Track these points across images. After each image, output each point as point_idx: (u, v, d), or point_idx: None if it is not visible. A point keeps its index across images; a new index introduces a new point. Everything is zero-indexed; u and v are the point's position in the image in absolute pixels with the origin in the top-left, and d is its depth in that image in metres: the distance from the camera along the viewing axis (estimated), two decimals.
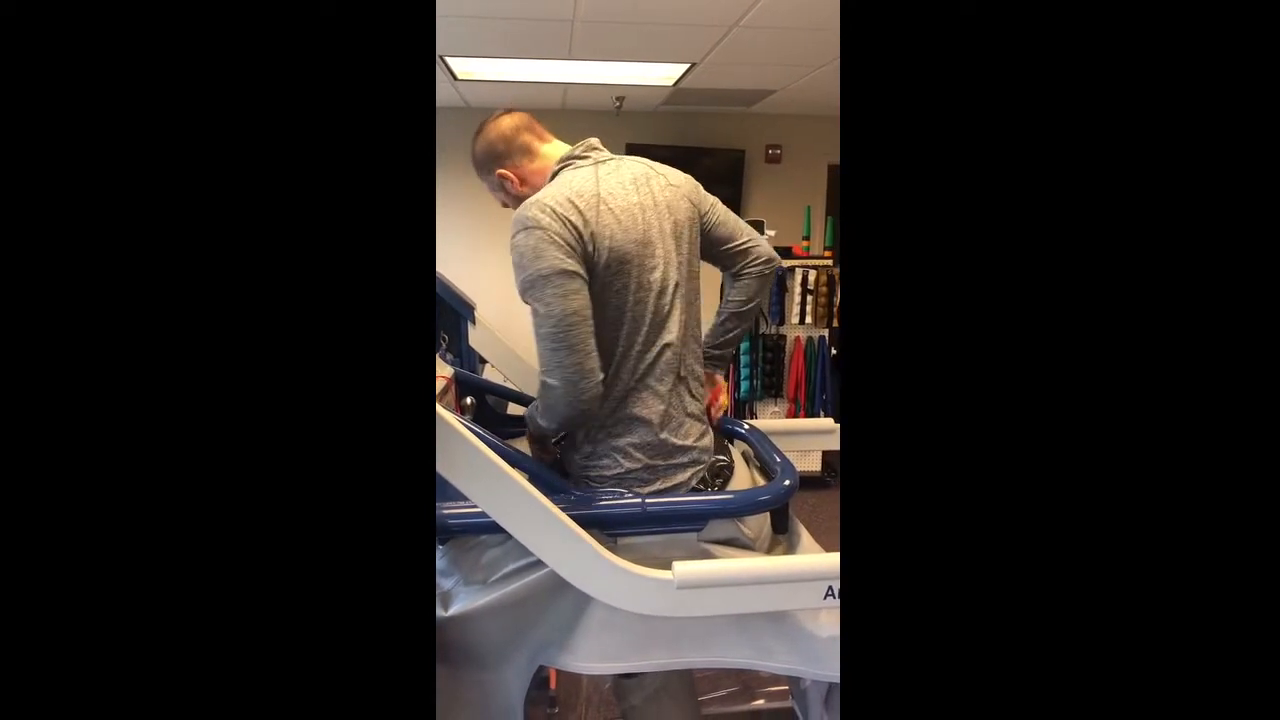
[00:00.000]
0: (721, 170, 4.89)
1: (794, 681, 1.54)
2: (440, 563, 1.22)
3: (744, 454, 1.44)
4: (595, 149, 1.29)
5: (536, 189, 1.23)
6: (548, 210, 1.14)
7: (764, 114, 4.99)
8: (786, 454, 1.36)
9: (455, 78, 3.92)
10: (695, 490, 1.23)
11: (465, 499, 1.01)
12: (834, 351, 4.02)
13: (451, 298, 1.80)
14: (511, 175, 1.31)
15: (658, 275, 1.21)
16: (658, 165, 1.33)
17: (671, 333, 1.22)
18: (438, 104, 4.18)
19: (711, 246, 1.35)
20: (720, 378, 1.45)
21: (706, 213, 1.33)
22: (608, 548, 1.05)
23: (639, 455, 1.20)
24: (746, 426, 1.50)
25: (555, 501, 1.03)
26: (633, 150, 1.37)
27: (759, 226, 3.46)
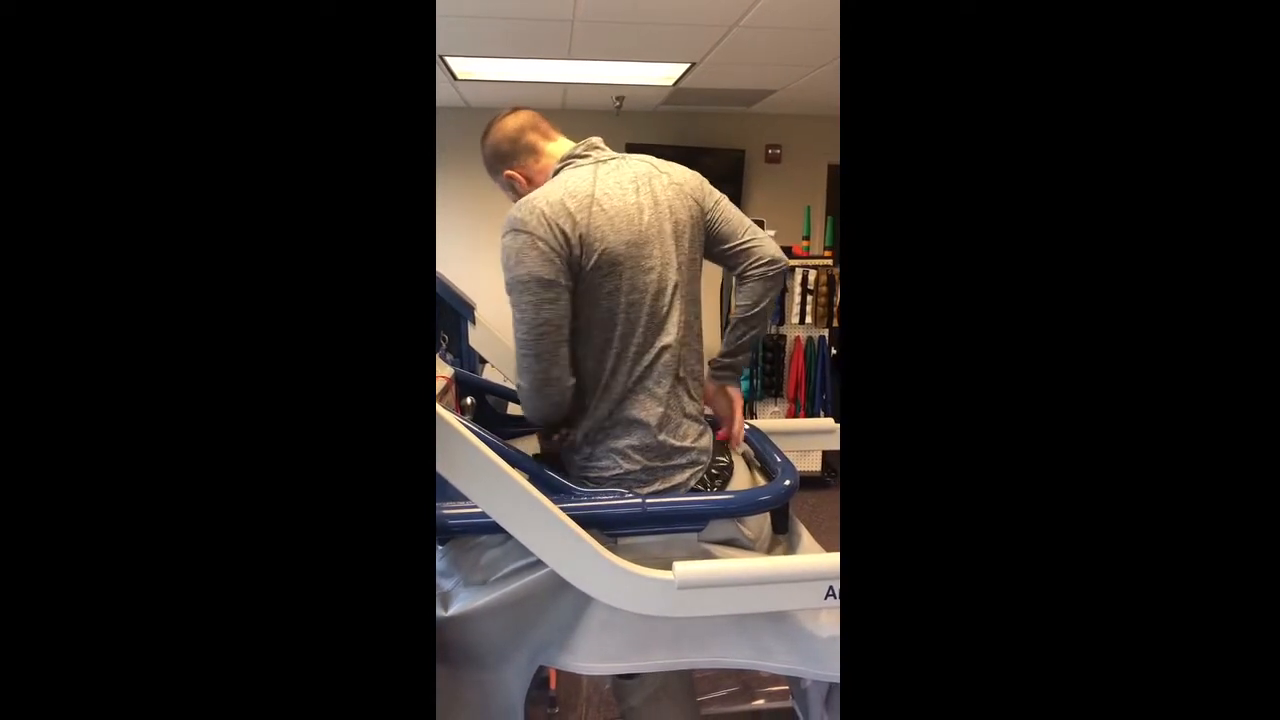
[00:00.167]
0: (721, 170, 4.89)
1: (794, 682, 1.54)
2: (440, 563, 1.22)
3: (744, 454, 1.44)
4: (597, 148, 1.28)
5: None
6: (536, 212, 1.15)
7: (764, 114, 4.99)
8: (786, 454, 1.36)
9: (455, 78, 3.92)
10: (695, 490, 1.23)
11: (465, 499, 1.01)
12: (834, 351, 4.02)
13: (451, 298, 1.80)
14: (518, 176, 1.31)
15: (654, 276, 1.20)
16: (663, 164, 1.31)
17: (670, 334, 1.22)
18: (438, 104, 4.18)
19: (713, 246, 1.32)
20: (735, 391, 1.39)
21: (710, 210, 1.31)
22: (608, 548, 1.05)
23: (637, 457, 1.20)
24: (746, 427, 1.50)
25: (555, 501, 1.03)
26: (632, 150, 1.36)
27: (759, 226, 3.44)
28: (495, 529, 1.03)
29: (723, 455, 1.29)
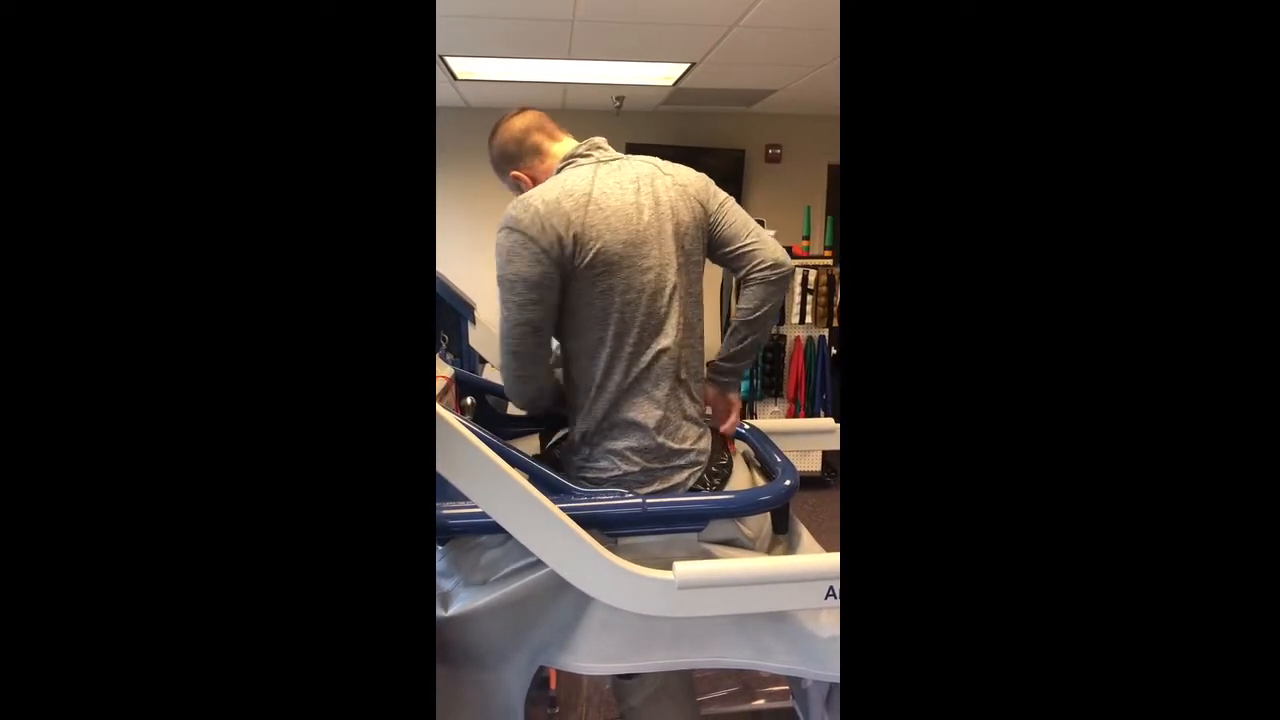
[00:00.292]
0: (721, 170, 4.88)
1: (795, 682, 1.54)
2: (440, 563, 1.22)
3: (744, 454, 1.44)
4: (599, 148, 1.28)
5: None
6: (531, 211, 1.15)
7: (764, 114, 4.99)
8: (787, 454, 1.36)
9: (455, 78, 3.92)
10: (694, 490, 1.23)
11: (465, 499, 1.01)
12: (834, 351, 4.02)
13: (451, 298, 1.80)
14: (525, 177, 1.32)
15: (651, 277, 1.20)
16: (668, 165, 1.31)
17: (669, 336, 1.21)
18: (438, 104, 4.18)
19: (716, 248, 1.31)
20: (735, 398, 1.39)
21: (714, 212, 1.30)
22: (608, 548, 1.05)
23: (636, 459, 1.20)
24: (747, 426, 1.50)
25: (555, 501, 1.03)
26: (633, 150, 1.35)
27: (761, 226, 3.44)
28: (495, 529, 1.03)
29: (722, 455, 1.29)
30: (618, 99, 4.43)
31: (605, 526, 1.14)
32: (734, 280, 1.42)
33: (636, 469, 1.20)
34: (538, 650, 1.15)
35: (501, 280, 1.18)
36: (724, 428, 1.37)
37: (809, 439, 1.70)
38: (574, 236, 1.15)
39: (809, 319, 3.98)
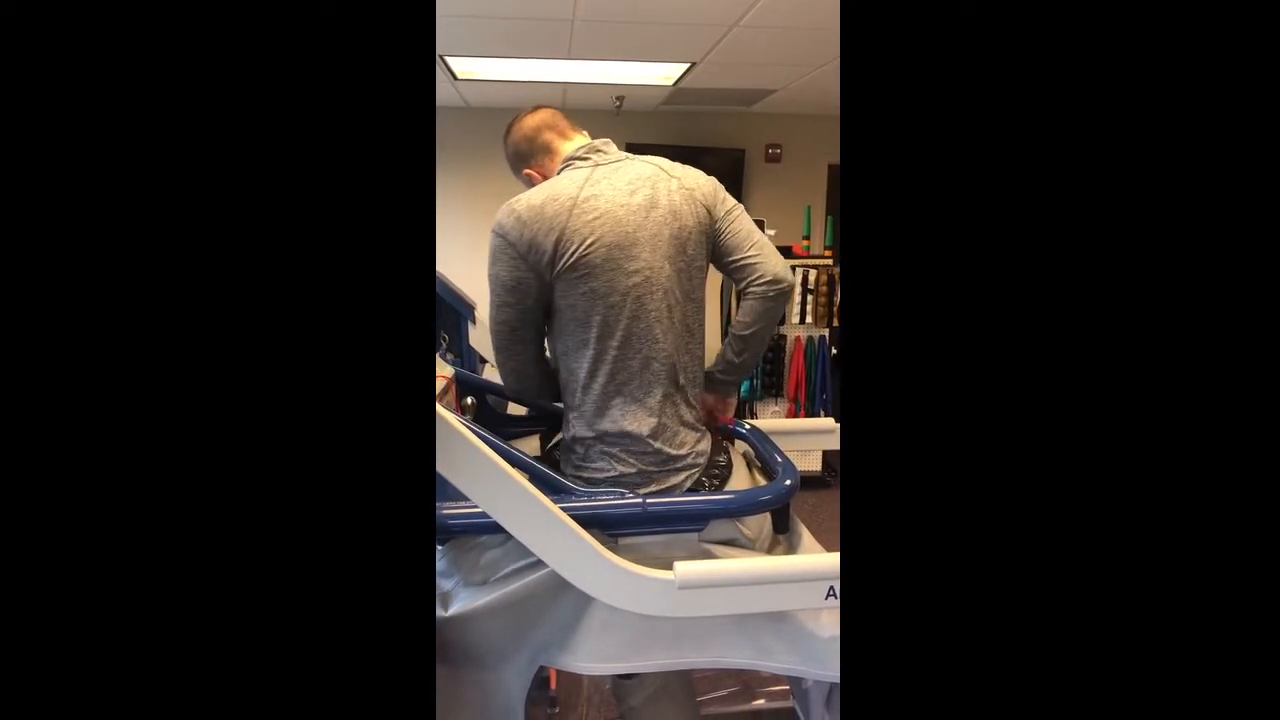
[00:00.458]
0: (721, 170, 4.85)
1: (795, 682, 1.54)
2: (440, 563, 1.22)
3: (744, 454, 1.44)
4: (599, 150, 1.28)
5: None
6: (514, 215, 1.18)
7: (764, 114, 4.99)
8: (787, 454, 1.36)
9: (455, 78, 3.92)
10: (693, 490, 1.23)
11: (465, 499, 1.01)
12: (834, 351, 4.02)
13: (451, 298, 1.80)
14: (536, 175, 1.33)
15: (638, 280, 1.18)
16: (676, 167, 1.29)
17: (661, 341, 1.20)
18: (438, 104, 4.18)
19: (718, 256, 1.30)
20: (730, 401, 1.40)
21: (720, 219, 1.28)
22: (608, 548, 1.05)
23: (633, 461, 1.20)
24: (747, 426, 1.50)
25: (555, 501, 1.03)
26: (633, 150, 1.35)
27: (759, 226, 3.45)
28: (495, 529, 1.03)
29: (721, 455, 1.29)
30: (618, 99, 4.42)
31: (605, 526, 1.14)
32: (734, 289, 1.42)
33: (633, 470, 1.20)
34: (538, 650, 1.15)
35: (488, 279, 1.24)
36: (714, 424, 1.38)
37: (809, 439, 1.71)
38: (554, 241, 1.16)
39: (809, 319, 3.98)
